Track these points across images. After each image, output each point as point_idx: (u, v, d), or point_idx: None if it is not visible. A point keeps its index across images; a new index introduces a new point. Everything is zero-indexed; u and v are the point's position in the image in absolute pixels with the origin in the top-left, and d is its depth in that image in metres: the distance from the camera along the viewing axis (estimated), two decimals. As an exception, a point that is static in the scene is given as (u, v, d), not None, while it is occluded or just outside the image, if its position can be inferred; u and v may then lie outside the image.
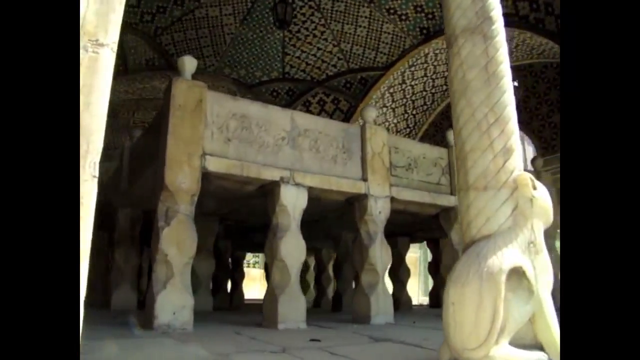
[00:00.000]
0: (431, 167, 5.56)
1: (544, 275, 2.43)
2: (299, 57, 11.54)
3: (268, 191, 4.52)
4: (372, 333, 3.81)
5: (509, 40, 9.82)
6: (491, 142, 2.59)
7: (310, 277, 10.63)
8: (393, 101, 11.85)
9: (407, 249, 8.13)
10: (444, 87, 11.83)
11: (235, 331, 3.83)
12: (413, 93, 11.81)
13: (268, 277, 4.68)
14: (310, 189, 4.56)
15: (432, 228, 6.35)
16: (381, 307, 4.73)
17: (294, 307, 4.22)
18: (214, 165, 4.17)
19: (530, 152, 11.18)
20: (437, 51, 10.56)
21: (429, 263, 9.50)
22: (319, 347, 3.02)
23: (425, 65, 11.03)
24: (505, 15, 3.01)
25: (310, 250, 10.61)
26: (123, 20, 1.44)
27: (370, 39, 10.76)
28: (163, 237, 3.82)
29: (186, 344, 3.06)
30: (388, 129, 12.14)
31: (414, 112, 12.28)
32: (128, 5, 9.30)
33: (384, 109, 11.91)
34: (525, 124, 10.76)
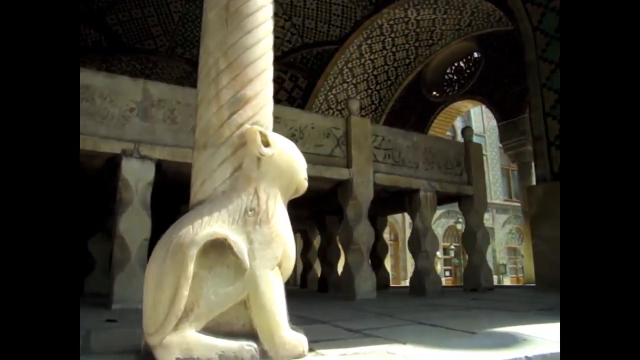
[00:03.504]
0: (322, 137, 5.11)
1: (265, 250, 2.00)
2: (252, 34, 11.07)
3: (116, 165, 4.17)
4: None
5: (461, 6, 9.24)
6: (218, 92, 2.17)
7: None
8: (353, 76, 11.34)
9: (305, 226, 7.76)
10: (407, 61, 11.28)
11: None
12: (374, 67, 11.26)
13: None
14: (161, 162, 4.20)
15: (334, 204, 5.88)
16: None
17: (133, 287, 3.88)
18: (42, 138, 3.82)
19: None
20: (392, 22, 10.00)
21: (304, 245, 9.25)
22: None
23: (382, 37, 10.48)
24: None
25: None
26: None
27: (321, 11, 10.25)
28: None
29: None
30: (350, 107, 11.66)
31: (378, 87, 11.74)
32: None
33: (345, 85, 11.42)
34: (486, 96, 10.18)
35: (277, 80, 11.52)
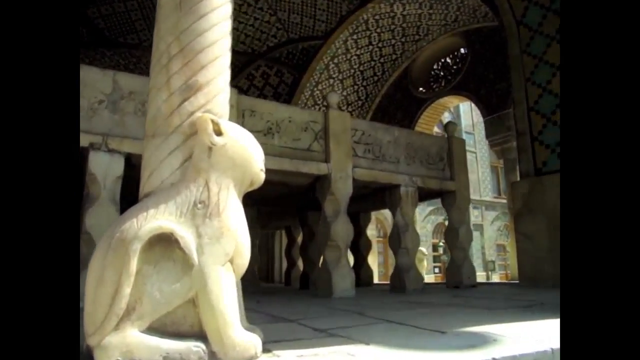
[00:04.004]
0: (299, 131, 4.99)
1: (215, 245, 1.88)
2: (236, 29, 10.93)
3: (83, 159, 4.04)
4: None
5: (447, 1, 9.15)
6: (169, 78, 2.06)
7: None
8: (339, 72, 11.22)
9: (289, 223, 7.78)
10: (394, 56, 11.18)
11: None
12: (360, 63, 11.16)
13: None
14: (130, 156, 4.06)
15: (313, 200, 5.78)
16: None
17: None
18: (3, 131, 3.67)
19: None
20: (377, 17, 9.90)
21: (288, 241, 9.23)
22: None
23: (368, 32, 10.37)
24: None
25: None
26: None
27: (306, 6, 10.11)
28: None
29: None
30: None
31: (364, 83, 11.63)
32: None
33: (331, 81, 11.30)
34: (473, 92, 10.11)
35: (263, 76, 11.38)
